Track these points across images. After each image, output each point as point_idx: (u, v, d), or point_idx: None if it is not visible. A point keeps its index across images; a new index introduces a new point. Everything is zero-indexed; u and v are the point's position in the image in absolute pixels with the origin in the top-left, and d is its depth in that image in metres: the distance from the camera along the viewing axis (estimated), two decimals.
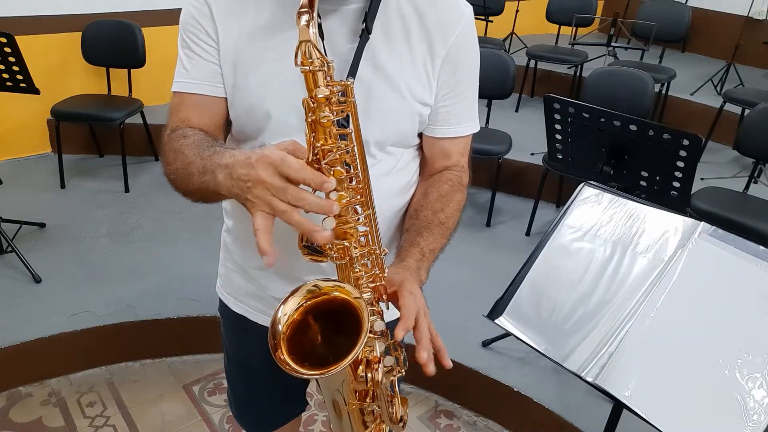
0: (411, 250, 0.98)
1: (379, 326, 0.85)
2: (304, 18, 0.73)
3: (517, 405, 2.20)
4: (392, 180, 1.06)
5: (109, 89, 3.76)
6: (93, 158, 3.88)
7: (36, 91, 2.70)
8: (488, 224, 3.40)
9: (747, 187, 3.09)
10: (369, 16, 0.92)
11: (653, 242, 1.33)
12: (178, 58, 1.00)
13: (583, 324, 1.32)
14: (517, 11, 5.25)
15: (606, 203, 1.44)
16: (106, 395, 2.30)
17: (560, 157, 2.66)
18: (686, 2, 5.13)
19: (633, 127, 2.20)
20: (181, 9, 0.99)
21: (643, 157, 2.27)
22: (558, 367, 1.31)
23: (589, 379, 1.26)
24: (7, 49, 2.54)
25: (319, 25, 0.90)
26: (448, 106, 1.05)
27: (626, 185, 2.39)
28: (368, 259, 0.86)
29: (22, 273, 2.59)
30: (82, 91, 3.68)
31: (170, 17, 3.61)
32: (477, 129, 1.12)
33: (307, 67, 0.75)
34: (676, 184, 2.24)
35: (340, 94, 0.78)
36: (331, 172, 0.76)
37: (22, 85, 2.67)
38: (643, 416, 1.18)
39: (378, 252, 0.86)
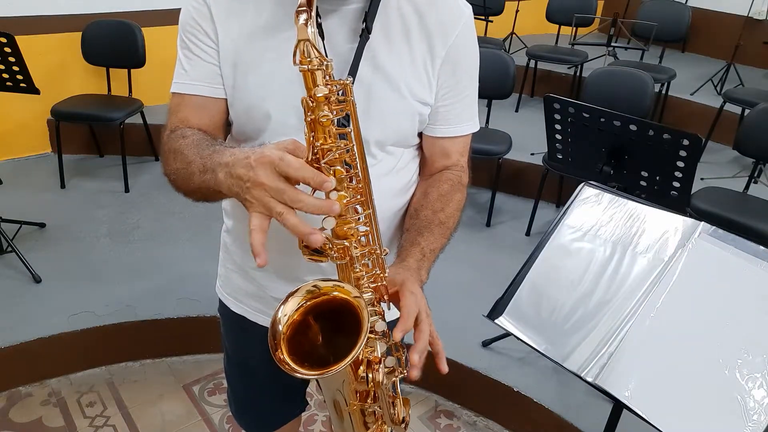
0: (411, 250, 0.98)
1: (381, 326, 0.85)
2: (303, 17, 0.73)
3: (517, 405, 2.20)
4: (392, 180, 1.06)
5: (109, 89, 3.76)
6: (93, 158, 3.88)
7: (36, 91, 2.70)
8: (488, 224, 3.40)
9: (747, 187, 3.09)
10: (369, 16, 0.92)
11: (653, 242, 1.33)
12: (177, 59, 1.00)
13: (583, 324, 1.32)
14: (517, 11, 5.25)
15: (606, 203, 1.44)
16: (106, 395, 2.30)
17: (560, 157, 2.65)
18: (686, 2, 5.13)
19: (633, 127, 2.20)
20: (181, 9, 0.99)
21: (643, 157, 2.27)
22: (558, 367, 1.31)
23: (589, 379, 1.25)
24: (7, 49, 2.54)
25: (319, 25, 0.90)
26: (448, 106, 1.05)
27: (626, 185, 2.39)
28: (369, 259, 0.86)
29: (22, 273, 2.59)
30: (82, 91, 3.68)
31: (170, 17, 3.60)
32: (477, 128, 1.12)
33: (306, 66, 0.75)
34: (676, 184, 2.24)
35: (339, 93, 0.78)
36: (331, 172, 0.76)
37: (22, 85, 2.67)
38: (643, 416, 1.18)
39: (379, 252, 0.86)
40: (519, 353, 2.35)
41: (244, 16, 0.95)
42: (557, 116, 2.49)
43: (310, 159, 0.76)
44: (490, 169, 3.36)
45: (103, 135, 3.85)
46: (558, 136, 2.57)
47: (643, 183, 2.34)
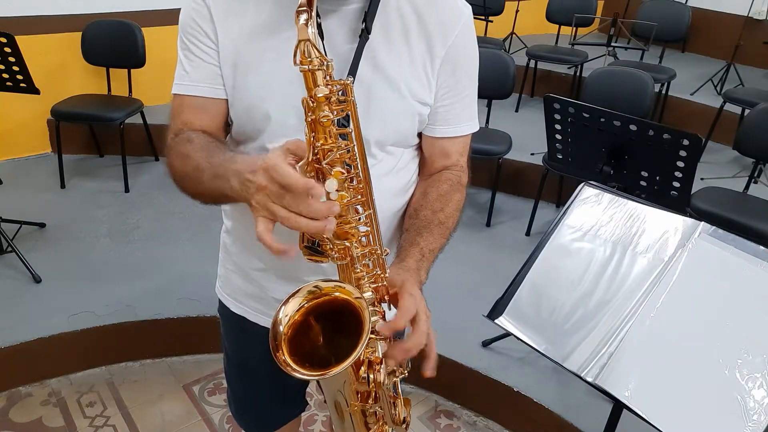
0: (411, 251, 0.98)
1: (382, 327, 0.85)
2: (303, 17, 0.73)
3: (517, 405, 2.20)
4: (392, 180, 1.06)
5: (109, 89, 3.76)
6: (93, 158, 3.88)
7: (36, 91, 2.70)
8: (488, 224, 3.40)
9: (747, 187, 3.09)
10: (368, 16, 0.92)
11: (653, 242, 1.33)
12: (177, 60, 1.00)
13: (583, 324, 1.32)
14: (517, 11, 5.25)
15: (606, 203, 1.44)
16: (106, 395, 2.30)
17: (560, 157, 2.65)
18: (686, 2, 5.13)
19: (633, 127, 2.20)
20: (180, 9, 0.98)
21: (643, 157, 2.27)
22: (558, 367, 1.31)
23: (589, 379, 1.26)
24: (7, 49, 2.54)
25: (319, 25, 0.90)
26: (447, 106, 1.05)
27: (626, 185, 2.39)
28: (369, 259, 0.86)
29: (22, 273, 2.59)
30: (82, 91, 3.68)
31: (170, 17, 3.60)
32: (476, 129, 1.12)
33: (306, 66, 0.75)
34: (676, 184, 2.24)
35: (339, 93, 0.78)
36: (332, 172, 0.76)
37: (22, 85, 2.67)
38: (643, 416, 1.18)
39: (379, 252, 0.86)
40: (519, 353, 2.35)
41: (243, 16, 0.95)
42: (557, 116, 2.49)
43: (310, 159, 0.76)
44: (490, 169, 3.36)
45: (103, 135, 3.85)
46: (558, 136, 2.57)
47: (643, 183, 2.34)
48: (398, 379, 0.88)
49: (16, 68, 2.61)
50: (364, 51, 0.93)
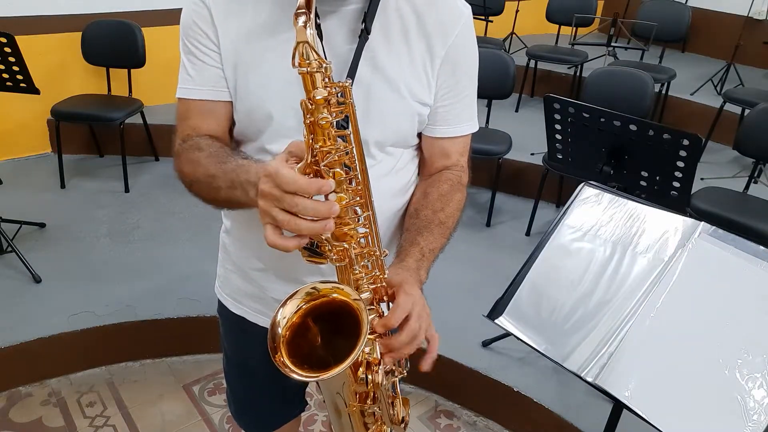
0: (411, 250, 0.98)
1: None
2: (302, 19, 0.73)
3: (517, 405, 2.20)
4: (392, 180, 1.06)
5: (109, 89, 3.76)
6: (93, 158, 3.88)
7: (36, 91, 2.70)
8: (488, 224, 3.40)
9: (747, 187, 3.09)
10: (368, 17, 0.92)
11: (653, 242, 1.33)
12: (180, 64, 1.00)
13: (583, 324, 1.32)
14: (517, 11, 5.25)
15: (606, 203, 1.44)
16: (106, 395, 2.30)
17: (560, 157, 2.65)
18: (686, 2, 5.13)
19: (633, 127, 2.20)
20: (181, 9, 0.98)
21: (643, 157, 2.27)
22: (558, 367, 1.31)
23: (589, 379, 1.25)
24: (7, 49, 2.54)
25: (318, 26, 0.90)
26: (447, 106, 1.05)
27: (626, 185, 2.39)
28: (368, 261, 0.86)
29: (22, 273, 2.59)
30: (82, 91, 3.68)
31: (170, 17, 3.61)
32: (476, 129, 1.12)
33: (305, 69, 0.74)
34: (676, 184, 2.23)
35: (338, 95, 0.78)
36: (331, 174, 0.76)
37: (22, 85, 2.67)
38: (643, 416, 1.18)
39: (378, 253, 0.86)
40: (519, 353, 2.35)
41: (243, 16, 0.95)
42: (557, 116, 2.49)
43: (309, 161, 0.76)
44: (490, 169, 3.36)
45: (103, 135, 3.85)
46: (558, 136, 2.57)
47: (643, 183, 2.34)
48: (397, 379, 0.89)
49: (16, 68, 2.61)
50: (364, 51, 0.93)
